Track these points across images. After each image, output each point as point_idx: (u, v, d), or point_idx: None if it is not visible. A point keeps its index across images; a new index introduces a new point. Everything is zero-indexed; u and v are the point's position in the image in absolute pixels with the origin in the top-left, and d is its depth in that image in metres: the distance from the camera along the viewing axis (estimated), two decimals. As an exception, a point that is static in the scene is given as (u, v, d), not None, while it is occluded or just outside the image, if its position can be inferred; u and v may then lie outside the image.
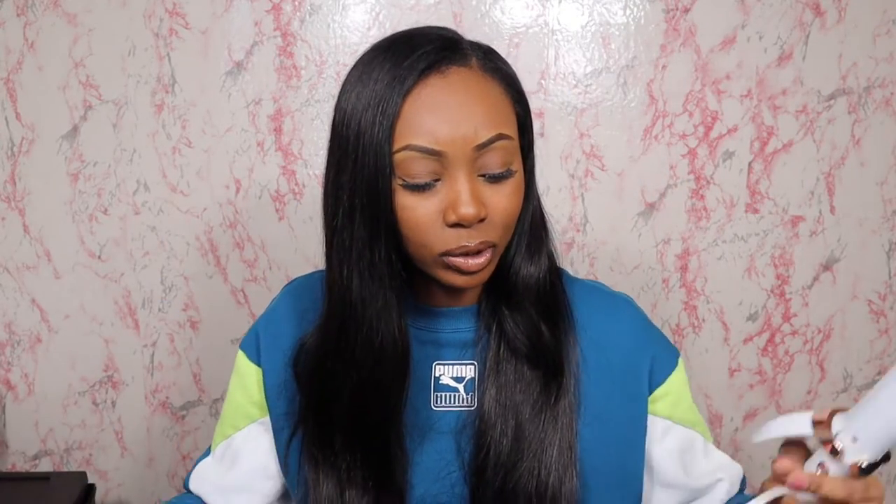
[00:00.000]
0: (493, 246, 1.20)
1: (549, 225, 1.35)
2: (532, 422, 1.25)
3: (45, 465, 2.58)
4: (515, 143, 1.20)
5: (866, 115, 2.31)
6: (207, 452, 1.53)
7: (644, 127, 2.32)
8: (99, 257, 2.42)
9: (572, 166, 2.34)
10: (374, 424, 1.28)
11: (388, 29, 2.28)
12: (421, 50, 1.17)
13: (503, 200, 1.18)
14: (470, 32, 2.26)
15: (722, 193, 2.35)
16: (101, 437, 2.55)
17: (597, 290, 1.42)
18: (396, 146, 1.14)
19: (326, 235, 1.26)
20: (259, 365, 1.43)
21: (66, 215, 2.40)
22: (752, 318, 2.43)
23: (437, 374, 1.33)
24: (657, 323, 2.34)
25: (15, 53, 2.33)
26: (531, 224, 1.30)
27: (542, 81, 2.30)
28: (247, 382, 1.46)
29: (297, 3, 2.28)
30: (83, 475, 2.29)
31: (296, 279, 1.51)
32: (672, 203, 2.36)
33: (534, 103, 2.27)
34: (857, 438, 0.98)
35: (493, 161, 1.16)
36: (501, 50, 2.26)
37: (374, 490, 1.28)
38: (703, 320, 2.43)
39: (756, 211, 2.36)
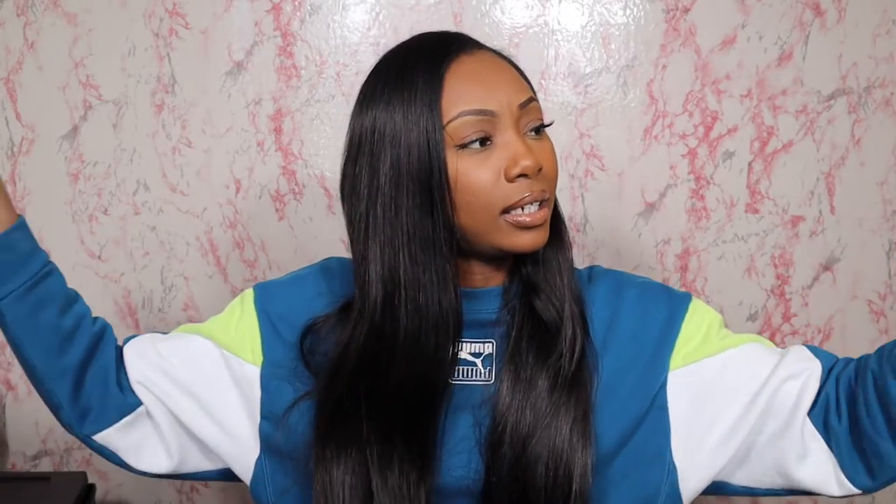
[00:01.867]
0: (549, 199, 1.27)
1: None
2: (548, 397, 1.26)
3: (45, 465, 2.57)
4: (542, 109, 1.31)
5: (866, 115, 2.31)
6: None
7: (644, 127, 2.32)
8: (99, 257, 2.42)
9: (572, 166, 2.34)
10: (418, 407, 1.29)
11: (388, 29, 2.29)
12: (443, 41, 1.31)
13: (548, 156, 1.28)
14: (470, 32, 2.25)
15: (722, 193, 2.35)
16: (101, 437, 2.54)
17: (607, 275, 1.44)
18: (448, 118, 1.22)
19: (359, 231, 1.29)
20: (260, 325, 1.44)
21: (66, 215, 2.40)
22: (752, 318, 2.43)
23: (456, 349, 1.33)
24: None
25: (15, 53, 2.33)
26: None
27: (542, 81, 2.30)
28: (242, 321, 1.46)
29: (297, 3, 2.29)
30: (83, 475, 2.29)
31: (332, 258, 1.51)
32: (672, 203, 2.36)
33: (534, 103, 2.29)
34: None
35: (534, 118, 1.26)
36: (501, 50, 2.27)
37: (410, 472, 1.27)
38: (703, 320, 2.43)
39: (756, 211, 2.36)
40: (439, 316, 1.26)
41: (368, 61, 2.25)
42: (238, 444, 1.42)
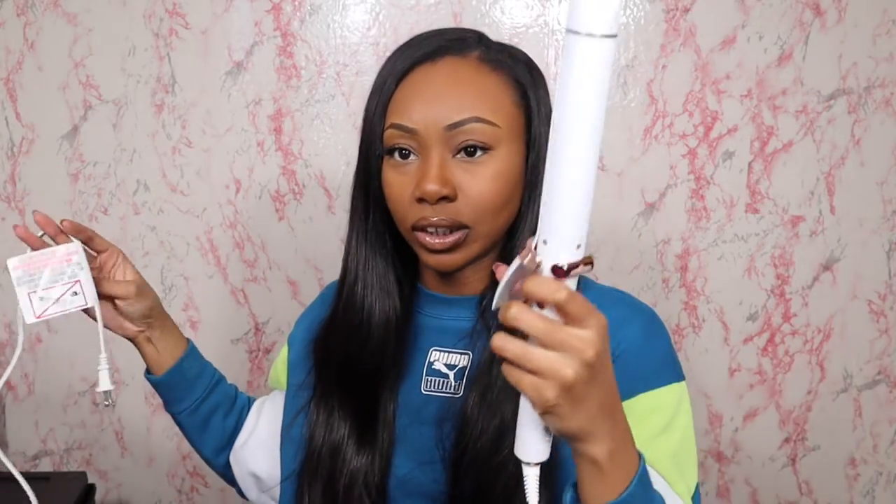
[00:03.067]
0: (464, 228, 1.23)
1: None
2: (512, 425, 1.17)
3: (45, 465, 2.58)
4: (501, 131, 1.22)
5: (866, 114, 2.32)
6: None
7: (644, 127, 2.33)
8: (99, 257, 2.42)
9: (572, 166, 2.34)
10: (365, 388, 1.36)
11: (388, 29, 2.29)
12: (426, 42, 1.27)
13: (478, 182, 1.21)
14: (470, 32, 2.28)
15: (722, 193, 2.36)
16: (101, 437, 2.56)
17: (617, 299, 1.37)
18: (385, 125, 1.25)
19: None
20: (288, 353, 1.55)
21: (67, 215, 2.38)
22: (752, 318, 2.44)
23: (431, 360, 1.36)
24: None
25: (15, 53, 2.33)
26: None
27: (542, 81, 2.30)
28: (281, 355, 1.59)
29: (297, 3, 2.29)
30: (83, 475, 2.29)
31: None
32: (672, 203, 2.37)
33: (534, 103, 2.29)
34: (547, 240, 0.88)
35: (467, 139, 1.20)
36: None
37: (361, 456, 1.34)
38: (704, 320, 2.43)
39: (756, 211, 2.36)
40: (383, 312, 1.33)
41: (368, 61, 2.26)
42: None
